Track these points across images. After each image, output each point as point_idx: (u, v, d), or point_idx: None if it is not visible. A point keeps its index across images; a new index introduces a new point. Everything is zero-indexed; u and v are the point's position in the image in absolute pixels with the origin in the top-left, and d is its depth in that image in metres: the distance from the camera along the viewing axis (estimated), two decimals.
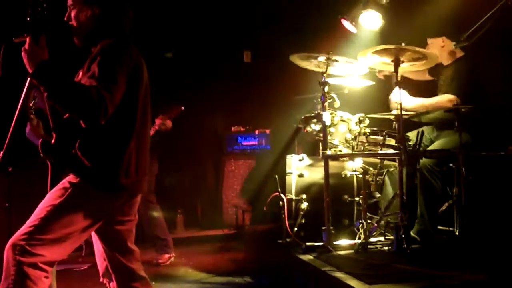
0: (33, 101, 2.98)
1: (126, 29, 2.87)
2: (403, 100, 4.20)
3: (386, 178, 4.73)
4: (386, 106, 4.71)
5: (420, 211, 4.36)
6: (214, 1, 7.52)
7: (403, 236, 3.92)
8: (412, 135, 4.45)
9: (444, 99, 4.56)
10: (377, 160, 4.60)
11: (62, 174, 2.71)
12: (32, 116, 2.99)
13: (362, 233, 4.31)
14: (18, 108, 2.68)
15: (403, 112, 4.18)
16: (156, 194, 5.69)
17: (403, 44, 4.10)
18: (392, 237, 4.25)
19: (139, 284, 2.82)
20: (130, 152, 2.69)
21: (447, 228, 4.16)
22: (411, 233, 4.18)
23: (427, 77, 5.09)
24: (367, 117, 4.53)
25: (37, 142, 2.79)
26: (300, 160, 4.81)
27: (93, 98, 2.45)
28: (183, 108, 5.54)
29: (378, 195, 4.65)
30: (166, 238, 5.68)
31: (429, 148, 4.56)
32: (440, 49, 4.76)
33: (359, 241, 4.25)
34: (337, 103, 4.51)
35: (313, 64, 4.60)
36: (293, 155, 4.89)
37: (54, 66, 2.52)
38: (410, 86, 4.81)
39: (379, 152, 4.46)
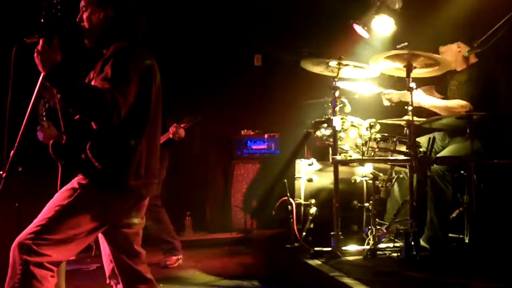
0: (43, 108, 2.98)
1: (138, 33, 2.88)
2: (417, 97, 4.17)
3: (396, 184, 4.71)
4: (397, 112, 4.70)
5: (430, 217, 4.33)
6: (225, 5, 7.53)
7: (412, 243, 3.89)
8: (423, 141, 4.42)
9: (457, 103, 4.53)
10: (387, 166, 4.57)
11: (72, 174, 2.71)
12: (43, 122, 2.99)
13: (371, 239, 4.28)
14: (29, 108, 2.69)
15: (415, 118, 4.16)
16: (162, 197, 5.70)
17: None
18: (401, 243, 4.22)
19: (146, 286, 2.83)
20: (140, 154, 2.69)
21: (457, 236, 4.13)
22: (421, 241, 4.16)
23: (435, 95, 5.03)
24: (378, 123, 4.51)
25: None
26: (309, 164, 4.79)
27: (106, 101, 2.46)
28: (200, 118, 5.57)
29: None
30: (173, 241, 5.68)
31: (440, 154, 4.53)
32: (456, 54, 4.71)
33: (368, 247, 4.22)
34: (347, 108, 4.49)
35: (324, 68, 4.58)
36: (302, 159, 4.88)
37: (67, 68, 2.52)
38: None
39: (390, 158, 4.44)
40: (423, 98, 4.62)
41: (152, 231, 5.55)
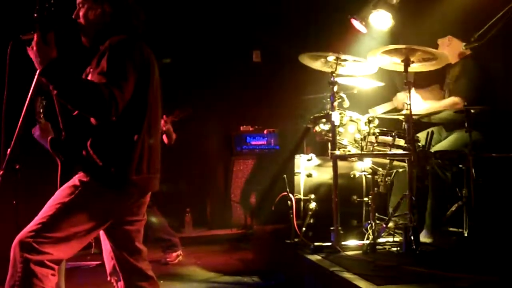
0: (41, 105, 2.98)
1: (138, 30, 2.86)
2: (413, 104, 4.18)
3: (395, 179, 4.71)
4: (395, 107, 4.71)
5: (429, 205, 4.34)
6: (224, 1, 7.51)
7: (412, 237, 3.90)
8: (421, 135, 4.42)
9: (450, 102, 4.55)
10: (386, 161, 4.57)
11: (72, 171, 2.70)
12: (41, 120, 2.99)
13: (371, 234, 4.28)
14: (25, 105, 2.69)
15: (413, 113, 4.15)
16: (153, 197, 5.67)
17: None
18: (401, 238, 4.23)
19: (147, 283, 2.82)
20: (141, 149, 2.67)
21: (456, 230, 4.13)
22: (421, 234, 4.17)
23: (441, 93, 5.03)
24: (377, 117, 4.50)
25: (47, 144, 2.79)
26: (308, 160, 4.79)
27: (103, 96, 2.44)
28: (190, 110, 5.53)
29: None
30: (170, 238, 5.67)
31: (438, 145, 4.53)
32: (447, 48, 4.72)
33: (368, 241, 4.23)
34: (346, 103, 4.49)
35: (322, 63, 4.58)
36: (301, 155, 4.88)
37: (63, 64, 2.50)
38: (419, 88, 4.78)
39: (389, 152, 4.43)
40: (418, 105, 4.61)
41: (148, 232, 5.54)
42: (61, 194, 2.60)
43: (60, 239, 2.51)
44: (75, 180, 2.64)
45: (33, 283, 2.44)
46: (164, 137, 5.40)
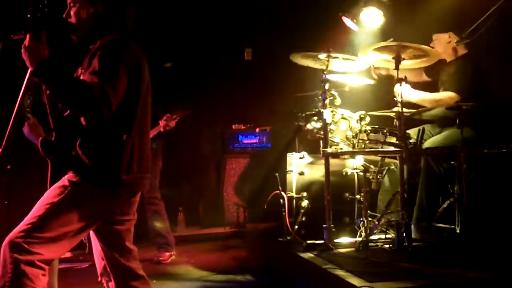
0: (29, 100, 2.96)
1: (128, 29, 2.85)
2: (405, 92, 4.18)
3: (387, 176, 4.72)
4: (387, 104, 4.70)
5: (419, 198, 4.35)
6: None
7: (404, 234, 3.90)
8: (413, 132, 4.42)
9: (445, 95, 4.54)
10: (378, 158, 4.58)
11: (62, 171, 2.69)
12: (29, 115, 2.98)
13: (363, 231, 4.29)
14: (16, 105, 2.67)
15: (404, 110, 4.16)
16: (161, 193, 5.71)
17: None
18: (393, 235, 4.24)
19: (138, 283, 2.82)
20: (131, 149, 2.67)
21: (448, 226, 4.14)
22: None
23: (424, 78, 5.05)
24: (368, 115, 4.51)
25: (37, 141, 2.77)
26: (300, 158, 4.79)
27: (95, 95, 2.43)
28: (190, 111, 5.54)
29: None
30: (167, 236, 5.68)
31: (429, 141, 4.54)
32: (446, 45, 4.72)
33: (360, 239, 4.24)
34: (338, 101, 4.49)
35: (314, 61, 4.58)
36: (293, 153, 4.88)
37: (55, 63, 2.49)
38: (411, 84, 4.78)
39: (380, 149, 4.44)
40: (411, 94, 4.61)
41: (148, 224, 5.56)
42: (50, 194, 2.59)
43: (50, 239, 2.50)
44: (64, 180, 2.63)
45: (23, 283, 2.43)
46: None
